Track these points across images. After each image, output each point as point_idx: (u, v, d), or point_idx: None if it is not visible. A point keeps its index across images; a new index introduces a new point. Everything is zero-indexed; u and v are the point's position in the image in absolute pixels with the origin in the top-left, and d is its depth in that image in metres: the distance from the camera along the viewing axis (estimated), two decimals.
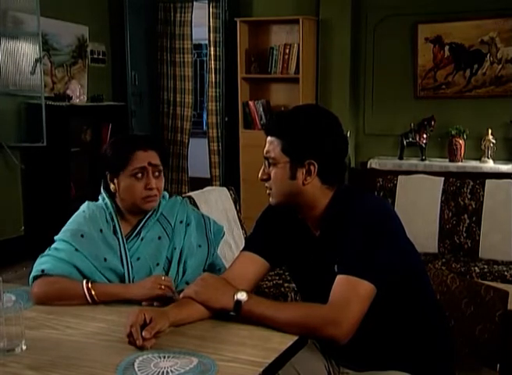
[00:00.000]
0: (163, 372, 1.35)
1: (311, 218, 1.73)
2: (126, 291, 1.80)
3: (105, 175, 1.98)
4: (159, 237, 1.96)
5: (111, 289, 1.82)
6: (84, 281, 1.80)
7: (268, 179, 1.72)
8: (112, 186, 1.95)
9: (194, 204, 3.03)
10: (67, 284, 1.81)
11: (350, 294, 1.55)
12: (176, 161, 6.39)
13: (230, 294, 1.60)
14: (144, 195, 1.91)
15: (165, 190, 2.03)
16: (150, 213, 1.97)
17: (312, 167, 1.67)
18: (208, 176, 6.25)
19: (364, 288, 1.55)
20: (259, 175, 1.74)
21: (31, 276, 1.85)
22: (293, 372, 1.73)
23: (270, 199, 1.76)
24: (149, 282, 1.80)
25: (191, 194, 3.21)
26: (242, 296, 1.59)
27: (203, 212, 2.92)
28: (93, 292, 1.78)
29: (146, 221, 1.96)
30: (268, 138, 1.72)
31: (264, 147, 1.73)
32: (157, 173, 1.95)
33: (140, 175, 1.91)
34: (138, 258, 1.93)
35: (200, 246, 1.99)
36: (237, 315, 1.59)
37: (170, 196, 2.07)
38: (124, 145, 1.95)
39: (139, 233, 1.95)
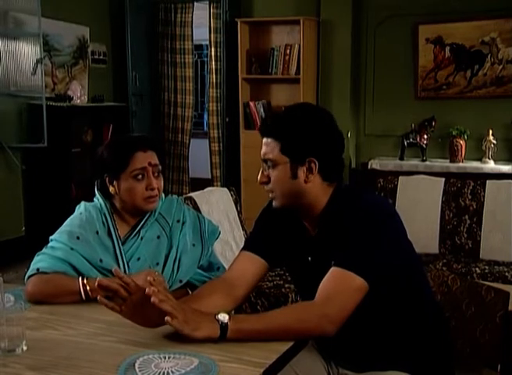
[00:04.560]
0: (164, 372, 1.35)
1: (310, 217, 1.73)
2: None
3: (103, 178, 1.97)
4: (158, 237, 1.97)
5: None
6: (80, 278, 1.80)
7: (268, 182, 1.70)
8: (111, 188, 1.95)
9: (195, 204, 3.03)
10: (62, 281, 1.81)
11: (342, 287, 1.55)
12: (177, 161, 6.40)
13: (211, 318, 1.49)
14: (145, 196, 1.92)
15: (164, 190, 2.03)
16: (148, 213, 1.97)
17: (313, 164, 1.66)
18: (209, 176, 6.26)
19: (357, 284, 1.55)
20: (258, 178, 1.73)
21: (27, 275, 1.86)
22: (293, 373, 1.72)
23: (274, 203, 1.75)
24: (143, 275, 1.74)
25: (192, 194, 3.21)
26: (223, 318, 1.48)
27: (204, 212, 2.93)
28: (88, 287, 1.77)
29: (145, 221, 1.97)
30: (265, 140, 1.70)
31: (261, 149, 1.71)
32: (157, 173, 1.95)
33: (140, 176, 1.92)
34: (138, 258, 1.93)
35: (194, 245, 2.00)
36: (223, 336, 1.47)
37: (166, 196, 2.08)
38: (122, 147, 1.95)
39: (138, 233, 1.96)
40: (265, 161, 1.70)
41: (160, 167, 1.97)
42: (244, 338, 1.48)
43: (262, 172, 1.72)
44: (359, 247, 1.57)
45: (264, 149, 1.70)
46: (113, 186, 1.94)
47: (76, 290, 1.78)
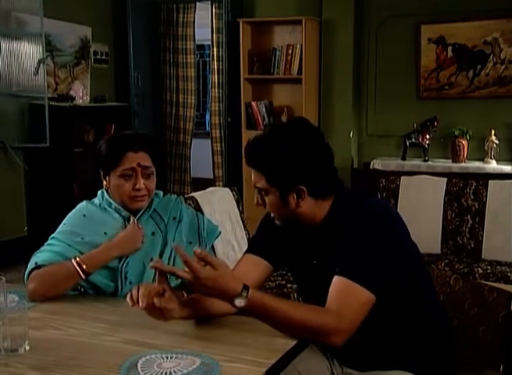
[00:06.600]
0: (166, 372, 1.35)
1: (314, 224, 1.72)
2: (109, 252, 1.88)
3: (99, 171, 2.03)
4: (153, 233, 1.99)
5: (96, 256, 1.86)
6: (72, 258, 1.84)
7: (265, 205, 1.71)
8: (104, 182, 2.02)
9: (197, 204, 3.03)
10: (57, 267, 1.85)
11: (352, 302, 1.54)
12: (179, 161, 6.39)
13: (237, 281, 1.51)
14: (131, 195, 1.96)
15: (166, 190, 2.05)
16: (142, 210, 2.00)
17: (302, 192, 1.64)
18: (211, 176, 6.26)
19: (366, 298, 1.55)
20: (254, 201, 1.73)
21: (27, 271, 1.88)
22: (296, 373, 1.72)
23: (275, 221, 1.75)
24: (129, 232, 1.90)
25: (194, 194, 3.21)
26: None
27: (206, 212, 2.93)
28: (84, 266, 1.82)
29: (139, 218, 1.99)
30: (250, 168, 1.69)
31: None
32: (147, 175, 1.97)
33: (128, 176, 1.95)
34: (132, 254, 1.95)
35: (190, 243, 2.01)
36: (245, 302, 1.48)
37: (164, 195, 2.10)
38: (116, 145, 1.99)
39: None
40: (257, 188, 1.69)
41: (152, 169, 1.99)
42: (261, 312, 1.48)
43: (257, 196, 1.72)
44: (363, 255, 1.56)
45: (253, 177, 1.69)
46: (106, 180, 2.01)
47: (72, 269, 1.81)
